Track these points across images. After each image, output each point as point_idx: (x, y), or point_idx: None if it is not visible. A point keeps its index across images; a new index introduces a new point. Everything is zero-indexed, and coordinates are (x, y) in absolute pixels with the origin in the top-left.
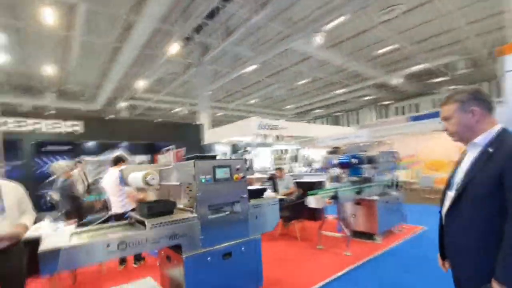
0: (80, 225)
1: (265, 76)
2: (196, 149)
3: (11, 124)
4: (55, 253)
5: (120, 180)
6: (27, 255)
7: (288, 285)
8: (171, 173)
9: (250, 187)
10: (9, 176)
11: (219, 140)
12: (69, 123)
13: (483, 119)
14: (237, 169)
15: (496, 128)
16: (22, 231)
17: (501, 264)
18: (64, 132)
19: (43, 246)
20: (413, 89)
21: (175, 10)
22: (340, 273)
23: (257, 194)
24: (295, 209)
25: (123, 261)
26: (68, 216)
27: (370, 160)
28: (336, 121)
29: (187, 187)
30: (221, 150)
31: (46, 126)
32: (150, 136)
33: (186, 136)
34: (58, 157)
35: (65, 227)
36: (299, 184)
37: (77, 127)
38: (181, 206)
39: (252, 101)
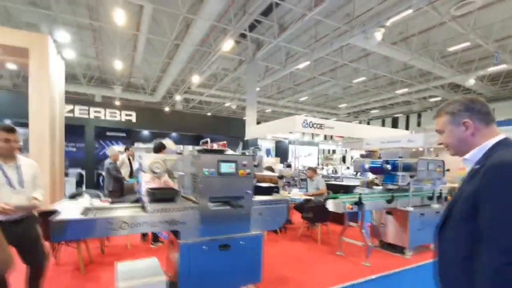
0: (116, 202)
1: (318, 74)
2: (238, 143)
3: (77, 111)
4: (62, 223)
5: (139, 167)
6: (42, 224)
7: (291, 284)
8: (184, 164)
9: (258, 184)
10: (74, 155)
11: (263, 135)
12: (124, 112)
13: (477, 132)
14: (244, 165)
15: (492, 141)
16: (35, 204)
17: None
18: (121, 120)
19: (55, 217)
20: (489, 92)
21: (231, 7)
22: (349, 283)
23: (265, 191)
24: (320, 212)
25: (144, 235)
26: (111, 194)
27: (407, 168)
28: (394, 123)
29: (193, 178)
30: (265, 146)
31: (106, 115)
32: (196, 128)
33: (230, 130)
34: (114, 142)
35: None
36: (331, 186)
37: (130, 116)
38: (189, 195)
39: (303, 99)
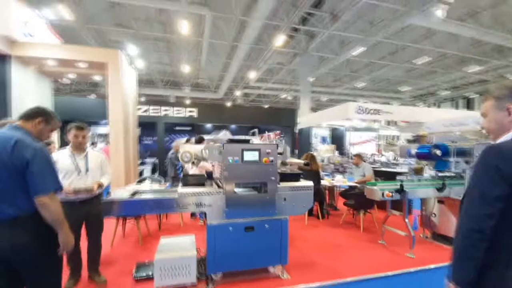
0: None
1: (376, 58)
2: (290, 132)
3: (151, 110)
4: (109, 203)
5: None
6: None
7: (320, 269)
8: (214, 153)
9: (282, 171)
10: (151, 146)
11: (316, 124)
12: (188, 109)
13: None
14: (267, 153)
15: None
16: (96, 186)
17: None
18: (185, 116)
19: (105, 198)
20: None
21: (283, 4)
22: (383, 273)
23: (291, 178)
24: (363, 199)
25: (192, 214)
26: (173, 179)
27: (462, 153)
28: (468, 105)
29: (220, 166)
30: (321, 134)
31: (173, 112)
32: (251, 119)
33: (282, 120)
34: (182, 135)
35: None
36: (378, 173)
37: (193, 112)
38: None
39: (361, 85)
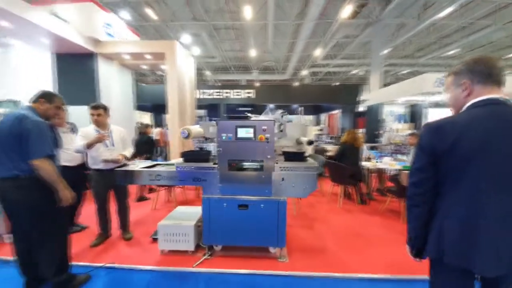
0: None
1: (471, 20)
2: (351, 110)
3: (215, 94)
4: (120, 172)
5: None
6: None
7: (328, 259)
8: (211, 130)
9: (285, 150)
10: None
11: (388, 100)
12: (245, 91)
13: (473, 93)
14: (263, 130)
15: (473, 100)
16: (122, 158)
17: None
18: (243, 97)
19: (119, 169)
20: None
21: None
22: (404, 276)
23: (294, 157)
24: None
25: None
26: None
27: None
28: None
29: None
30: (396, 111)
31: (233, 94)
32: (312, 98)
33: (346, 97)
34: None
35: None
36: None
37: (250, 94)
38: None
39: (453, 52)
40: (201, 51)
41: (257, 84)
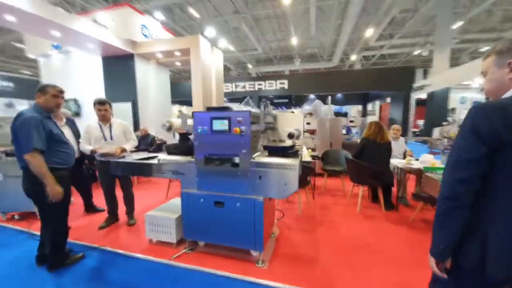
0: None
1: None
2: (404, 96)
3: (247, 86)
4: (114, 164)
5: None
6: None
7: (315, 273)
8: (187, 122)
9: (269, 143)
10: None
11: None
12: (278, 81)
13: None
14: (238, 122)
15: None
16: (119, 151)
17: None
18: (276, 88)
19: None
20: None
21: None
22: None
23: (278, 152)
24: None
25: None
26: None
27: None
28: None
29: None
30: (471, 98)
31: (266, 85)
32: (358, 85)
33: (397, 83)
34: (279, 107)
35: None
36: None
37: (283, 84)
38: None
39: None
40: (241, 44)
41: (293, 73)
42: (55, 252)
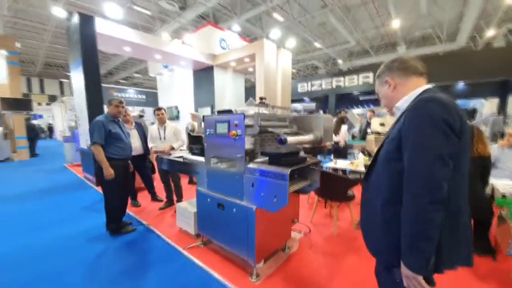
0: None
1: None
2: None
3: (324, 84)
4: (158, 159)
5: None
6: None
7: None
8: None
9: (265, 150)
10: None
11: None
12: (362, 75)
13: (400, 86)
14: (235, 125)
15: (419, 90)
16: (169, 148)
17: (405, 250)
18: (358, 84)
19: (160, 156)
20: None
21: None
22: None
23: (273, 159)
24: None
25: None
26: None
27: None
28: None
29: None
30: None
31: (344, 82)
32: (496, 70)
33: None
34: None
35: None
36: None
37: (368, 78)
38: None
39: None
40: (330, 39)
41: (371, 65)
42: (109, 221)
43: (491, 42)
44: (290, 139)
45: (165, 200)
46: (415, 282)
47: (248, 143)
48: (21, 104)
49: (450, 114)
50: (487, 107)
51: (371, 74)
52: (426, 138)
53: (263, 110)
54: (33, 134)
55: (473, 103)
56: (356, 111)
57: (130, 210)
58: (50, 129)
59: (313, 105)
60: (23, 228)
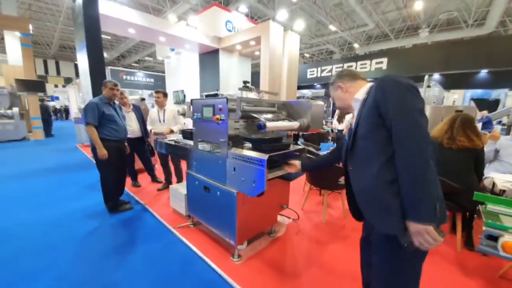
0: None
1: None
2: None
3: (334, 71)
4: (157, 142)
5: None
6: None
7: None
8: (189, 109)
9: (246, 136)
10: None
11: None
12: (374, 61)
13: (350, 87)
14: (219, 109)
15: (369, 84)
16: (168, 131)
17: (409, 203)
18: (370, 70)
19: (158, 138)
20: None
21: None
22: None
23: (255, 144)
24: None
25: None
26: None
27: None
28: None
29: None
30: None
31: (357, 67)
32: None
33: None
34: None
35: None
36: None
37: (381, 64)
38: None
39: None
40: (348, 22)
41: (390, 50)
42: (106, 199)
43: None
44: (272, 124)
45: (164, 181)
46: (426, 236)
47: (233, 128)
48: (35, 86)
49: (410, 81)
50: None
51: (385, 60)
52: (404, 100)
53: (250, 95)
54: (46, 114)
55: (496, 93)
56: None
57: (130, 190)
58: (66, 110)
59: (322, 91)
60: (26, 204)
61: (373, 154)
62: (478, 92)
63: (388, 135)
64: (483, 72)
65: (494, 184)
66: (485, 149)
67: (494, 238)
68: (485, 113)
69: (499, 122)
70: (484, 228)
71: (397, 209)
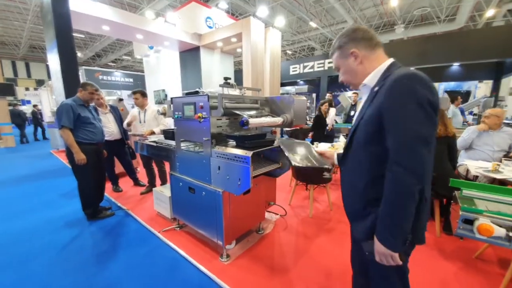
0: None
1: None
2: None
3: (316, 66)
4: (137, 143)
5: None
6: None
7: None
8: (169, 109)
9: (228, 133)
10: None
11: None
12: None
13: (365, 60)
14: (201, 107)
15: (386, 63)
16: (148, 133)
17: (381, 228)
18: None
19: (138, 140)
20: None
21: None
22: None
23: (239, 141)
24: None
25: None
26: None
27: None
28: None
29: None
30: None
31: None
32: (481, 52)
33: None
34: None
35: None
36: None
37: None
38: None
39: None
40: (328, 18)
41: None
42: (85, 207)
43: (490, 21)
44: (255, 121)
45: (147, 184)
46: (389, 258)
47: (215, 126)
48: (3, 89)
49: (432, 94)
50: (481, 89)
51: None
52: (411, 121)
53: (232, 92)
54: (19, 120)
55: (467, 85)
56: (349, 94)
57: (111, 195)
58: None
59: (305, 87)
60: (0, 214)
61: (363, 169)
62: (451, 85)
63: (385, 153)
64: (455, 65)
65: (468, 170)
66: (464, 136)
67: (470, 222)
68: (460, 102)
69: (471, 113)
70: (460, 212)
71: (371, 222)
